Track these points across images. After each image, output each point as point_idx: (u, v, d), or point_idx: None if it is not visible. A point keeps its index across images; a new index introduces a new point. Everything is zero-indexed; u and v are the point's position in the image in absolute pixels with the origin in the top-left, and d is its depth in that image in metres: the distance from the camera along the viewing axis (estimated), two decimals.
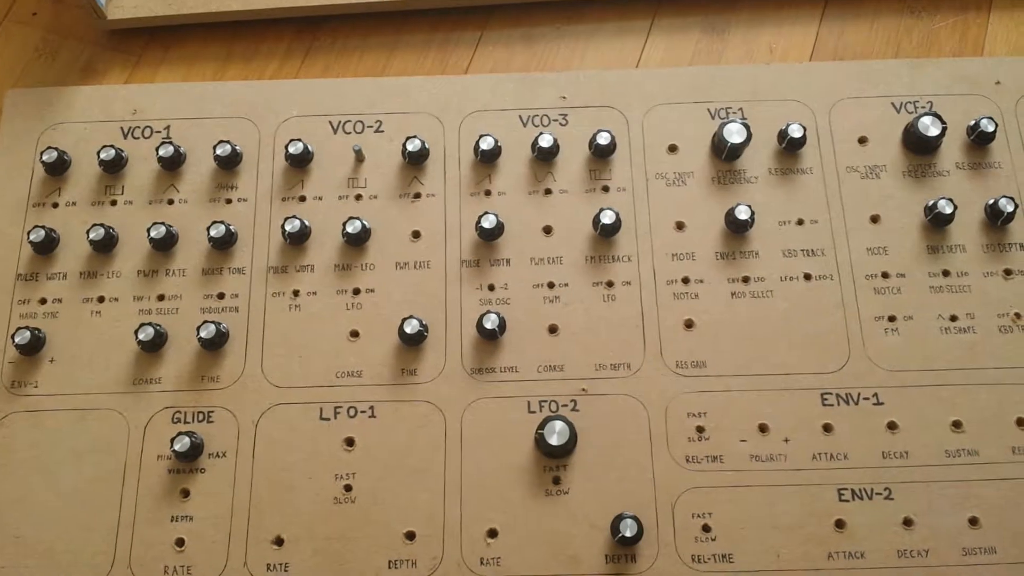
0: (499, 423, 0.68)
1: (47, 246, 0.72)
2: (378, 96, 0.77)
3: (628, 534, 0.63)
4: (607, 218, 0.70)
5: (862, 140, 0.75)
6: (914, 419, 0.68)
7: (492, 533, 0.65)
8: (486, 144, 0.73)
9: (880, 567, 0.64)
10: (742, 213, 0.70)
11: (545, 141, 0.73)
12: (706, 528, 0.65)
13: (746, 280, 0.71)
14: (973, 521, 0.65)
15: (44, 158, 0.73)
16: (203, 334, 0.68)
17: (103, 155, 0.73)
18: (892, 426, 0.67)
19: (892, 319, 0.70)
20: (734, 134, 0.72)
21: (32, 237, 0.71)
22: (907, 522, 0.65)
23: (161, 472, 0.67)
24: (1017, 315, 0.70)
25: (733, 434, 0.67)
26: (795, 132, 0.73)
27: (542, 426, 0.65)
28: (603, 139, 0.73)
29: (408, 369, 0.69)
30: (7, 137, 0.77)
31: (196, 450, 0.66)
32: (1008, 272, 0.71)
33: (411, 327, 0.68)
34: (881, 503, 0.66)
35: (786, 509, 0.66)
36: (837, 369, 0.69)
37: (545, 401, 0.68)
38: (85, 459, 0.67)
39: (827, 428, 0.67)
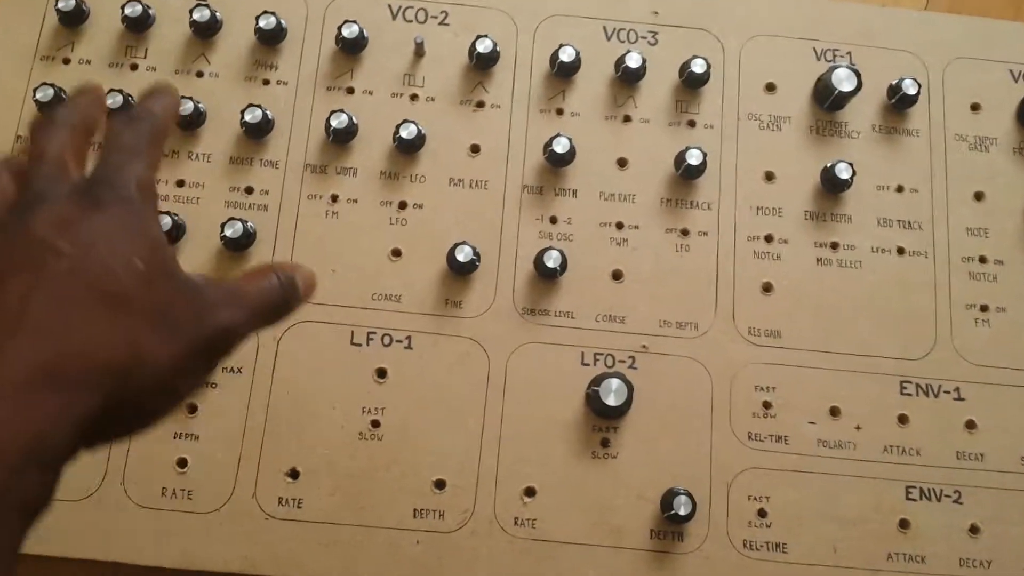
0: (548, 372, 0.63)
1: (54, 108, 0.63)
2: None
3: (682, 512, 0.59)
4: (693, 158, 0.64)
5: (975, 107, 0.70)
6: (995, 420, 0.64)
7: (530, 492, 0.61)
8: (566, 55, 0.66)
9: (940, 574, 0.60)
10: (843, 172, 0.65)
11: (633, 61, 0.66)
12: (762, 513, 0.61)
13: (834, 246, 0.66)
14: None
15: (60, 5, 0.65)
16: (228, 232, 0.61)
17: (128, 10, 0.65)
18: (970, 425, 0.64)
19: (984, 309, 0.66)
20: (843, 81, 0.66)
21: (39, 95, 0.63)
22: (973, 529, 0.62)
23: None
24: None
25: (802, 414, 0.63)
26: (909, 88, 0.67)
27: (597, 382, 0.60)
28: (698, 67, 0.66)
29: (453, 300, 0.63)
30: None
31: None
32: None
33: (463, 254, 0.62)
34: (949, 506, 0.62)
35: (849, 502, 0.62)
36: (920, 356, 0.65)
37: (601, 354, 0.63)
38: None
39: (902, 419, 0.63)
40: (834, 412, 0.63)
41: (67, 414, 0.31)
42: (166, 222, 0.62)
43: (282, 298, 0.41)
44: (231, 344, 0.39)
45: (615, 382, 0.60)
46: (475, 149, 0.66)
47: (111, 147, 0.40)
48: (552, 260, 0.62)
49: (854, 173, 0.65)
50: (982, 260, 0.67)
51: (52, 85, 0.64)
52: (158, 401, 0.36)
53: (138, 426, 0.37)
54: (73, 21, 0.67)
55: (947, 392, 0.64)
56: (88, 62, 0.66)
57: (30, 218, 0.35)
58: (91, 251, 0.34)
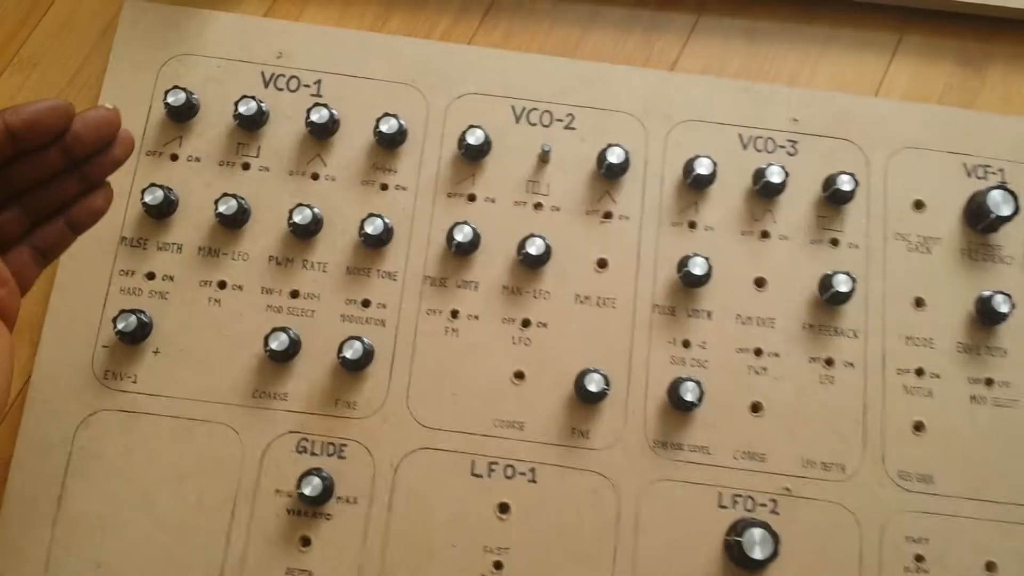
0: (683, 514, 0.60)
1: (163, 210, 0.62)
2: (572, 82, 0.68)
3: None
4: (842, 285, 0.62)
5: None
6: None
7: None
8: (703, 168, 0.64)
9: None
10: (1001, 305, 0.62)
11: (775, 176, 0.64)
12: None
13: (989, 383, 0.63)
14: None
15: (170, 100, 0.63)
16: (348, 354, 0.59)
17: (242, 108, 0.63)
18: None
19: None
20: (1001, 205, 0.64)
21: (147, 199, 0.62)
22: None
23: (279, 510, 0.59)
24: None
25: (957, 570, 0.61)
26: None
27: (739, 532, 0.57)
28: (845, 184, 0.64)
29: (580, 429, 0.61)
30: (121, 61, 0.67)
31: (326, 494, 0.57)
32: None
33: (594, 384, 0.59)
34: None
35: None
36: None
37: (740, 496, 0.60)
38: (188, 481, 0.59)
39: None
40: (990, 567, 0.60)
41: None
42: (283, 339, 0.59)
43: None
44: None
45: (759, 532, 0.58)
46: (602, 264, 0.64)
47: None
48: (690, 393, 0.60)
49: (1013, 306, 0.62)
50: None
51: (161, 187, 0.62)
52: None
53: None
54: (182, 116, 0.65)
55: None
56: (197, 159, 0.65)
57: None
58: None
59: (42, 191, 0.47)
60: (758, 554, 0.57)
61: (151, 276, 0.62)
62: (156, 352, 0.61)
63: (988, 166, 0.68)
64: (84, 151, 0.46)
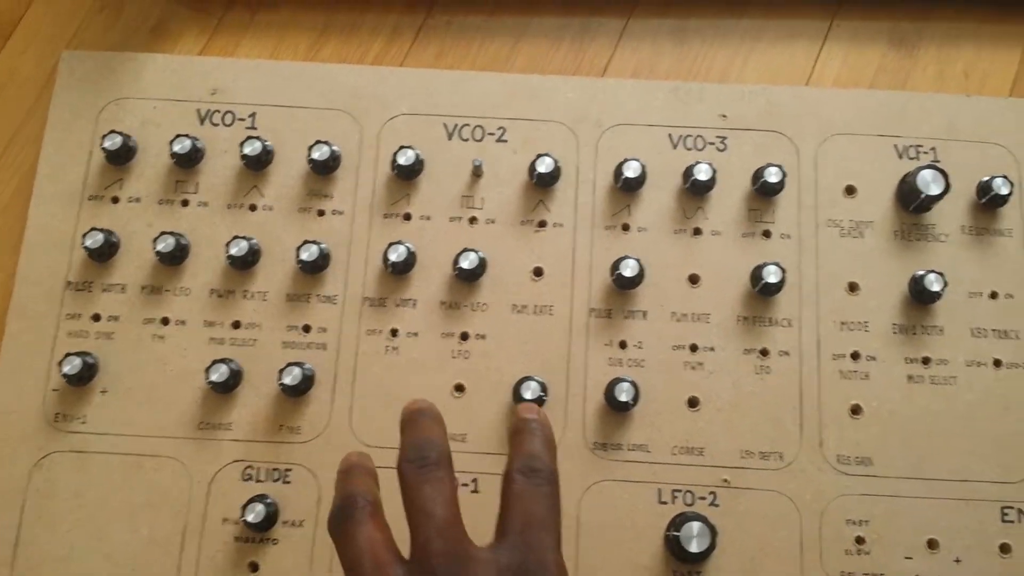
0: (623, 512, 0.62)
1: (104, 253, 0.65)
2: (503, 96, 0.70)
3: None
4: (771, 276, 0.63)
5: None
6: None
7: None
8: (631, 171, 0.66)
9: None
10: (933, 284, 0.64)
11: (702, 173, 0.66)
12: None
13: (926, 362, 0.64)
14: None
15: (107, 144, 0.67)
16: (287, 380, 0.62)
17: (176, 147, 0.66)
18: None
19: None
20: (930, 184, 0.65)
21: (88, 243, 0.65)
22: None
23: (227, 539, 0.62)
24: None
25: (898, 549, 0.62)
26: (1001, 188, 0.66)
27: (677, 526, 0.60)
28: (772, 176, 0.66)
29: None
30: (61, 110, 0.70)
31: (270, 520, 0.61)
32: None
33: (530, 391, 0.62)
34: None
35: None
36: (1022, 479, 0.62)
37: (679, 491, 0.62)
38: (139, 515, 0.62)
39: (1004, 549, 0.62)
40: (932, 545, 0.62)
41: None
42: (223, 370, 0.62)
43: None
44: None
45: (696, 526, 0.60)
46: (538, 272, 0.66)
47: (522, 514, 0.38)
48: (624, 393, 0.62)
49: (945, 284, 0.63)
50: None
51: (102, 231, 0.65)
52: None
53: None
54: (120, 159, 0.68)
55: None
56: (138, 200, 0.68)
57: None
58: None
59: None
60: (695, 547, 0.60)
61: (96, 318, 0.66)
62: (104, 392, 0.64)
63: (920, 146, 0.69)
64: None
